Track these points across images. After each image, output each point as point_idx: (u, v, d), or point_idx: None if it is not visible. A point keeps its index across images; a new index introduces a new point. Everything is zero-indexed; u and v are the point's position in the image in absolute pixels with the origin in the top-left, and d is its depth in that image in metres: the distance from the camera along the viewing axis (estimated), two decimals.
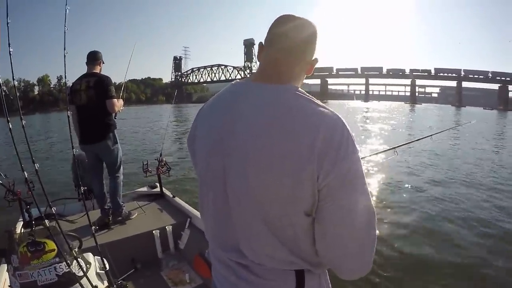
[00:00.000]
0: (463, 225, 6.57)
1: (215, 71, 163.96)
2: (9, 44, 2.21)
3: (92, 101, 3.99)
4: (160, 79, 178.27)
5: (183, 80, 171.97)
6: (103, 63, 4.31)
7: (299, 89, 1.06)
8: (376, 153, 3.50)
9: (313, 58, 1.16)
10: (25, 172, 2.14)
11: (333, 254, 1.07)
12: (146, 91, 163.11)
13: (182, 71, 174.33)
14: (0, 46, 2.18)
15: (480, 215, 7.14)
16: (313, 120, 0.96)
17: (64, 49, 2.80)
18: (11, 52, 2.21)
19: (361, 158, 2.90)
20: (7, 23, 2.18)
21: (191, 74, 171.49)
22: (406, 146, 3.78)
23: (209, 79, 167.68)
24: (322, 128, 0.94)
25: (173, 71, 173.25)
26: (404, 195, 8.67)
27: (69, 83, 4.00)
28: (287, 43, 1.11)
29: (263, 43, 1.18)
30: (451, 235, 6.10)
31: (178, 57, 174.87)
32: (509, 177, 11.07)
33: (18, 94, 2.29)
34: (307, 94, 1.04)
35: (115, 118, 4.30)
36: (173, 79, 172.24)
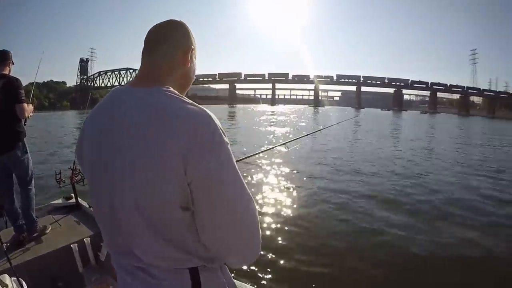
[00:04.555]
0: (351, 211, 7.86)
1: (123, 75, 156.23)
2: None
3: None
4: (64, 83, 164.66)
5: (89, 84, 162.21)
6: (13, 64, 3.94)
7: (170, 89, 1.10)
8: (269, 149, 3.62)
9: (184, 50, 1.23)
10: None
11: (216, 246, 1.11)
12: (48, 96, 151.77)
13: (88, 75, 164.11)
14: None
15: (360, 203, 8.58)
16: (179, 117, 1.00)
17: None
18: None
19: (256, 154, 3.21)
20: None
21: (98, 77, 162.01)
22: (300, 141, 3.92)
23: (116, 84, 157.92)
24: (187, 123, 0.99)
25: (79, 74, 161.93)
26: (297, 185, 9.85)
27: None
28: (150, 50, 1.21)
29: None
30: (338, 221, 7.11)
31: (85, 59, 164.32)
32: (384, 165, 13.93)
33: None
34: (177, 93, 1.09)
35: (24, 125, 3.93)
36: (78, 83, 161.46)
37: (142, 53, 1.23)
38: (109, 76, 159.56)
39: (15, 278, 2.49)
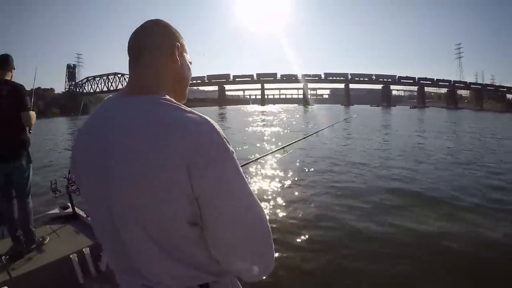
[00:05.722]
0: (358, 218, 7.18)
1: (111, 80, 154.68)
2: None
3: (4, 113, 3.57)
4: (52, 90, 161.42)
5: (78, 90, 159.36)
6: (14, 69, 3.83)
7: (166, 97, 1.03)
8: (266, 154, 3.50)
9: (169, 49, 1.14)
10: None
11: (229, 260, 1.06)
12: (38, 103, 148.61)
13: (77, 80, 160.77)
14: None
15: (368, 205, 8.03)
16: (178, 128, 0.93)
17: None
18: None
19: (254, 160, 3.09)
20: None
21: (86, 83, 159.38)
22: (296, 144, 3.87)
23: (105, 88, 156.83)
24: (187, 135, 0.92)
25: (67, 80, 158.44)
26: (298, 191, 9.25)
27: None
28: (134, 60, 1.13)
29: None
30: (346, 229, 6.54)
31: (72, 65, 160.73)
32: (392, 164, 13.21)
33: None
34: (174, 101, 1.02)
35: (29, 133, 3.85)
36: (67, 89, 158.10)
37: (128, 62, 1.16)
38: (97, 82, 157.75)
39: None
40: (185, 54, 1.20)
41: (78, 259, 3.63)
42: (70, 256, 3.60)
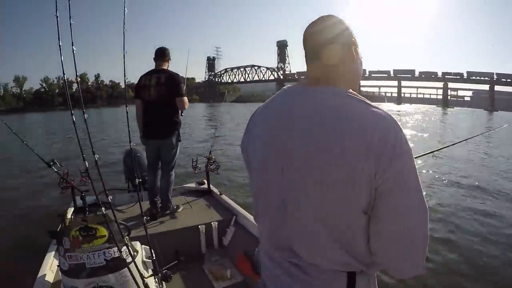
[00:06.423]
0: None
1: (248, 72, 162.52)
2: (72, 43, 2.30)
3: (162, 97, 4.09)
4: (193, 79, 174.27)
5: (216, 79, 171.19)
6: (170, 59, 4.38)
7: (350, 90, 1.07)
8: (416, 157, 3.32)
9: (347, 45, 1.16)
10: (86, 162, 2.19)
11: (386, 253, 1.07)
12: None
13: (216, 71, 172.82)
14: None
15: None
16: (367, 120, 0.98)
17: (124, 49, 2.86)
18: (74, 51, 2.22)
19: None
20: (70, 24, 2.26)
21: (225, 74, 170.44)
22: (441, 150, 3.71)
23: (242, 79, 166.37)
24: (377, 128, 0.96)
25: (207, 71, 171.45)
26: (446, 200, 8.41)
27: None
28: (314, 54, 1.16)
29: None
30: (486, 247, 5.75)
31: (212, 58, 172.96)
32: None
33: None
34: (358, 95, 1.05)
35: (181, 115, 4.37)
36: (206, 79, 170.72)
37: (306, 56, 1.20)
38: (235, 73, 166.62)
39: (146, 246, 2.73)
40: (358, 50, 1.20)
41: (205, 230, 3.95)
42: (199, 226, 3.93)
